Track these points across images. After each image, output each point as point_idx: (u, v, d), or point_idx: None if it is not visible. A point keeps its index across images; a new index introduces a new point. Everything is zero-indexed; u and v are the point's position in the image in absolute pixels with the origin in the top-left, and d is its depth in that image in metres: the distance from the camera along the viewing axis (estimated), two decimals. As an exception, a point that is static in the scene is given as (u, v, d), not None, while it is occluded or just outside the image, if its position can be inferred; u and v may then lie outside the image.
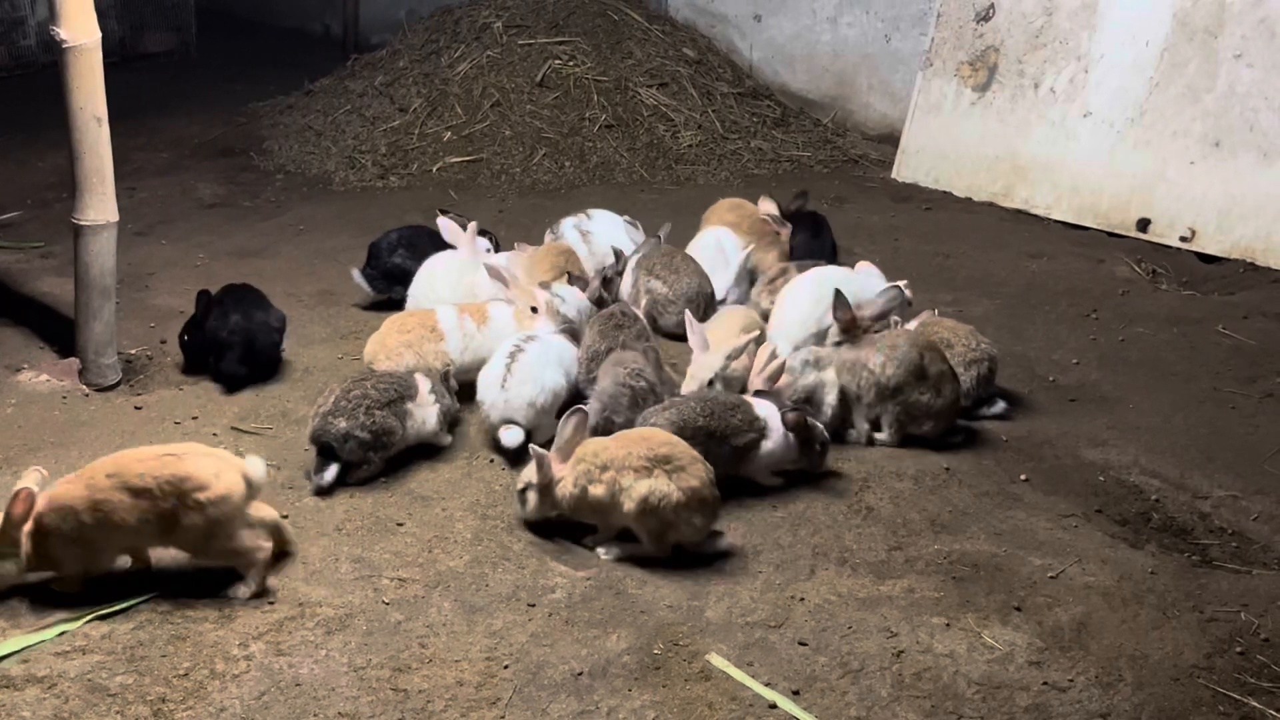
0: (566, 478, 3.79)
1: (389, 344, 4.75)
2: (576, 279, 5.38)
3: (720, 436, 4.09)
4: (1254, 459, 4.57)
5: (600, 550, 3.83)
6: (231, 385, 4.88)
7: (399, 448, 4.26)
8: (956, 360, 4.72)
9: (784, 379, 4.51)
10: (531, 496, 3.86)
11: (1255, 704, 3.19)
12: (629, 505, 3.69)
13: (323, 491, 4.08)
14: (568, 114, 8.61)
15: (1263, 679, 3.30)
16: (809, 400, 4.48)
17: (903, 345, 4.52)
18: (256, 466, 3.46)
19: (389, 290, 5.73)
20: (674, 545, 3.79)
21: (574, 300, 5.19)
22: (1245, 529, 4.10)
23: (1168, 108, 7.04)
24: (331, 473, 4.11)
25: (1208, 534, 4.08)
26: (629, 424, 4.15)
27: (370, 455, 4.13)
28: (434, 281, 5.43)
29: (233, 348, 4.86)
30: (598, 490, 3.73)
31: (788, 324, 5.08)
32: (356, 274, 5.76)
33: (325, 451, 4.13)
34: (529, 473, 3.86)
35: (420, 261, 5.62)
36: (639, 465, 3.71)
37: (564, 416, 3.86)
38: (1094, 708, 3.16)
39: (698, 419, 4.06)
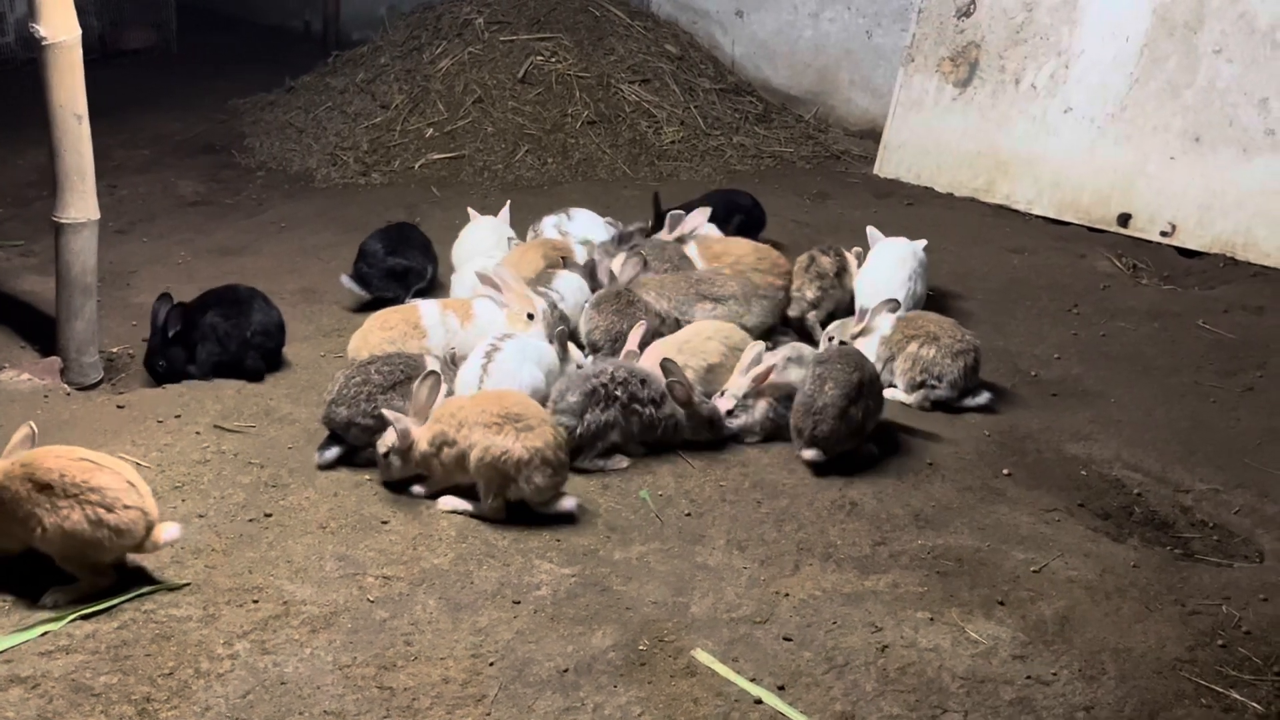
0: (422, 438, 3.94)
1: (372, 340, 4.74)
2: (572, 264, 5.37)
3: (873, 379, 4.36)
4: (1235, 452, 4.60)
5: (441, 503, 3.99)
6: (256, 378, 4.93)
7: None
8: (943, 352, 4.78)
9: (773, 377, 4.52)
10: (395, 460, 4.02)
11: (1237, 696, 3.21)
12: (473, 457, 3.82)
13: (324, 467, 4.23)
14: (550, 110, 8.59)
15: (1244, 671, 3.32)
16: (789, 396, 4.48)
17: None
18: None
19: (387, 289, 5.69)
20: (515, 504, 3.91)
21: (573, 291, 5.18)
22: (1227, 522, 4.13)
23: (1148, 103, 7.07)
24: (333, 453, 4.25)
25: (1189, 527, 4.11)
26: (574, 409, 4.22)
27: (375, 439, 4.15)
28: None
29: (256, 346, 4.94)
30: (452, 450, 3.89)
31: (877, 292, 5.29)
32: (346, 280, 5.70)
33: (333, 433, 4.26)
34: (390, 438, 3.99)
35: (416, 257, 5.67)
36: (490, 421, 3.84)
37: (419, 379, 4.02)
38: (1078, 701, 3.18)
39: (852, 374, 4.28)
